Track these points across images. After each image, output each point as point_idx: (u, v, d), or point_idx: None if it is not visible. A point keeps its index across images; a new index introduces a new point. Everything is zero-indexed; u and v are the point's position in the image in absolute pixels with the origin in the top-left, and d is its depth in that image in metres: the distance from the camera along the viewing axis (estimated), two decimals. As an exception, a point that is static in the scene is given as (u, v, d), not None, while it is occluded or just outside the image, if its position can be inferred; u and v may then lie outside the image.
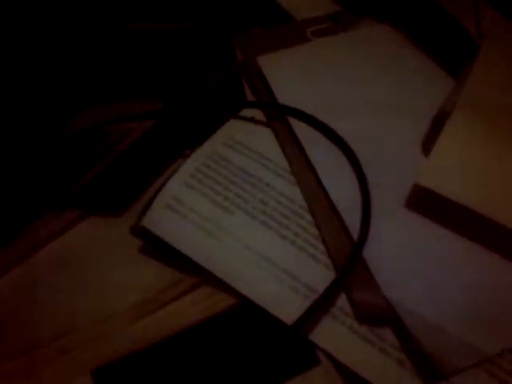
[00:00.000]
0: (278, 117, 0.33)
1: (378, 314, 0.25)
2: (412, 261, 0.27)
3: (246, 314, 0.27)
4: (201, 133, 0.32)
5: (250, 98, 0.35)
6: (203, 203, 0.29)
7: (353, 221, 0.28)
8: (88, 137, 0.32)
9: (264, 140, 0.32)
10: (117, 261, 0.29)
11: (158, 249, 0.28)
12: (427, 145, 0.30)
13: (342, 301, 0.26)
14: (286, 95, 0.33)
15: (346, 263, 0.26)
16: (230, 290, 0.27)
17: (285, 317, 0.26)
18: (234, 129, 0.32)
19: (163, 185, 0.30)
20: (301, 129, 0.31)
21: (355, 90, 0.34)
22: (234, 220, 0.29)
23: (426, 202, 0.28)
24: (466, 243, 0.27)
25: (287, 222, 0.28)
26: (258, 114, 0.33)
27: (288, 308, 0.26)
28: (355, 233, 0.27)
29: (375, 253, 0.27)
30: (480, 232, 0.27)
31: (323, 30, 0.38)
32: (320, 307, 0.26)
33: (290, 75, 0.34)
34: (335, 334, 0.25)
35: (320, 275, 0.27)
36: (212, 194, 0.29)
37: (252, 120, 0.33)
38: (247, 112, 0.33)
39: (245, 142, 0.32)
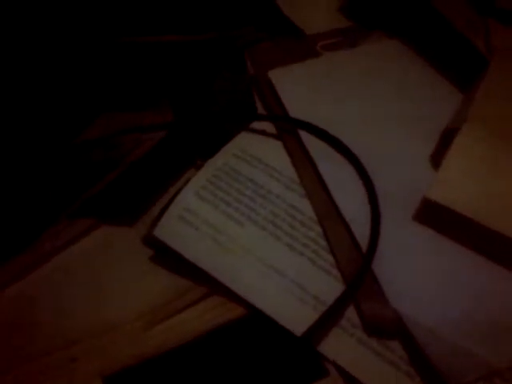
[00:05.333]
0: (289, 130, 0.33)
1: (387, 327, 0.25)
2: (421, 273, 0.27)
3: (256, 324, 0.27)
4: (212, 145, 0.33)
5: (261, 110, 0.35)
6: (214, 214, 0.29)
7: (362, 233, 0.28)
8: (100, 146, 0.32)
9: (275, 153, 0.32)
10: (128, 270, 0.29)
11: (169, 258, 0.29)
12: (436, 158, 0.30)
13: (351, 313, 0.26)
14: (296, 109, 0.33)
15: (355, 275, 0.26)
16: (240, 300, 0.27)
17: (294, 328, 0.26)
18: (245, 141, 0.33)
19: (175, 195, 0.30)
20: (311, 142, 0.32)
21: (365, 104, 0.34)
22: (245, 231, 0.29)
23: (434, 215, 0.28)
24: (475, 256, 0.27)
25: (297, 234, 0.29)
26: (268, 126, 0.33)
27: (297, 319, 0.26)
28: (364, 245, 0.27)
29: (384, 265, 0.27)
30: (489, 245, 0.27)
31: (333, 45, 0.38)
32: (329, 319, 0.26)
33: (300, 89, 0.34)
34: (344, 346, 0.25)
35: (329, 287, 0.27)
36: (223, 205, 0.30)
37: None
38: (258, 125, 0.33)
39: (256, 155, 0.32)
